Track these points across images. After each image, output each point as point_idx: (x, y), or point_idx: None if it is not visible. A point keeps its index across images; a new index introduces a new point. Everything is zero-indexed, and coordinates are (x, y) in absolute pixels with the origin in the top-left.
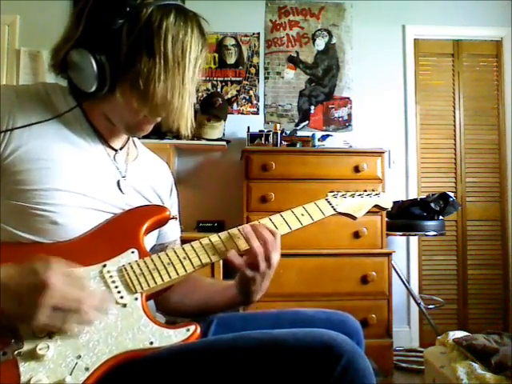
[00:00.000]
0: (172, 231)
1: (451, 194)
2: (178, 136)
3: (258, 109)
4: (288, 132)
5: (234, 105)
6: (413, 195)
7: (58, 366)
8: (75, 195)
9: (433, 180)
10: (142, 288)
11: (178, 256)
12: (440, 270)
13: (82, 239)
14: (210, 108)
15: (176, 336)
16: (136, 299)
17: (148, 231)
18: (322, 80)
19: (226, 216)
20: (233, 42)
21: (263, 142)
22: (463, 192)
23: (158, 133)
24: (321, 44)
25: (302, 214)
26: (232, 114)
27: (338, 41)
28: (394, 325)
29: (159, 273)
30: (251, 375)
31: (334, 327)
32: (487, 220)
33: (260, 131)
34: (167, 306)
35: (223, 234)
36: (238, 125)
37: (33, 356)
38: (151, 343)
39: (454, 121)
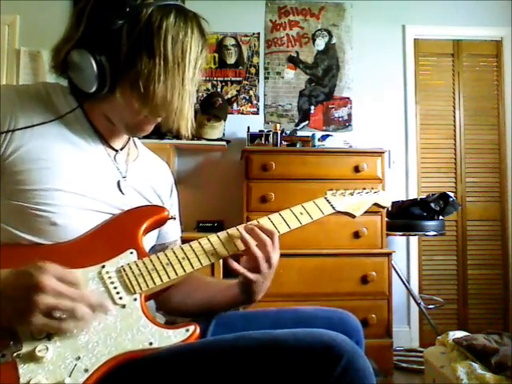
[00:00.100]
0: (172, 231)
1: (451, 194)
2: (178, 136)
3: (258, 109)
4: (288, 132)
5: (234, 105)
6: (413, 195)
7: (57, 368)
8: (75, 196)
9: (433, 180)
10: (141, 289)
11: (176, 256)
12: (440, 269)
13: (81, 240)
14: (210, 108)
15: (175, 336)
16: (135, 300)
17: (147, 231)
18: (322, 80)
19: (225, 216)
20: (233, 41)
21: (263, 141)
22: (463, 192)
23: (158, 133)
24: (321, 44)
25: (301, 213)
26: (232, 114)
27: (338, 41)
28: (394, 325)
29: (158, 273)
30: (251, 375)
31: (334, 325)
32: (487, 220)
33: (260, 131)
34: (169, 305)
35: (222, 235)
36: (238, 125)
37: (32, 358)
38: (150, 344)
39: (454, 121)
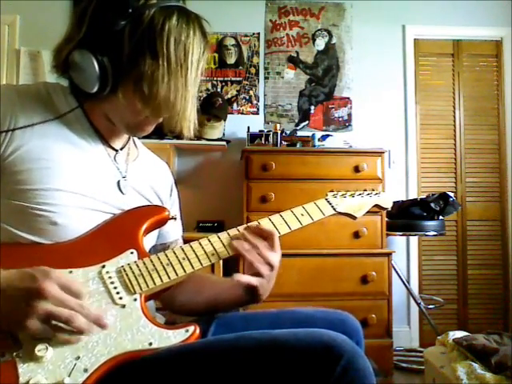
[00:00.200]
0: (173, 231)
1: (451, 194)
2: (177, 136)
3: (258, 109)
4: (288, 132)
5: (234, 105)
6: (413, 195)
7: (56, 368)
8: (75, 195)
9: (433, 180)
10: (141, 289)
11: (177, 257)
12: (440, 269)
13: (81, 240)
14: (210, 108)
15: (175, 337)
16: (135, 300)
17: (147, 231)
18: (322, 80)
19: (225, 216)
20: (233, 41)
21: (263, 141)
22: (463, 192)
23: (158, 133)
24: (321, 44)
25: (302, 214)
26: (232, 114)
27: (338, 41)
28: (394, 325)
29: (158, 273)
30: (251, 375)
31: (334, 326)
32: (487, 220)
33: (260, 131)
34: (175, 304)
35: (222, 235)
36: (238, 125)
37: (31, 357)
38: (150, 344)
39: (454, 121)
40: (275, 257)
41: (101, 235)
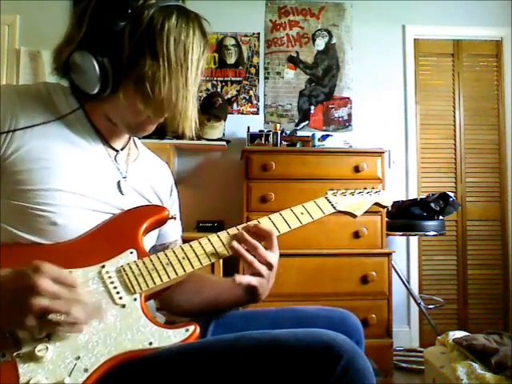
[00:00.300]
0: (173, 231)
1: (451, 194)
2: (178, 136)
3: (258, 109)
4: (288, 132)
5: (234, 105)
6: (413, 195)
7: (56, 368)
8: (75, 196)
9: (433, 180)
10: (141, 288)
11: (176, 256)
12: (440, 269)
13: (81, 240)
14: (210, 108)
15: (175, 336)
16: (135, 300)
17: (147, 231)
18: (322, 80)
19: (225, 216)
20: (233, 41)
21: (263, 141)
22: (463, 192)
23: (158, 133)
24: (321, 44)
25: (302, 213)
26: (232, 114)
27: (338, 41)
28: (394, 325)
29: (158, 273)
30: (251, 375)
31: (334, 325)
32: (487, 220)
33: (260, 131)
34: (173, 304)
35: (222, 234)
36: (238, 125)
37: (32, 357)
38: (150, 344)
39: (454, 121)
40: (274, 256)
41: (100, 235)
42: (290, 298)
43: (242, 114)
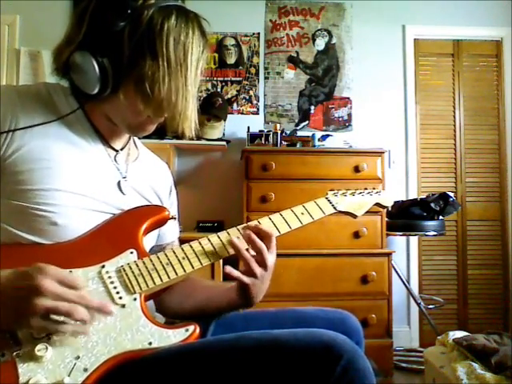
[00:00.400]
0: (170, 232)
1: (451, 194)
2: (178, 136)
3: (258, 109)
4: (288, 132)
5: (234, 105)
6: (413, 195)
7: (56, 367)
8: (75, 196)
9: (433, 180)
10: (141, 288)
11: (176, 256)
12: (440, 269)
13: (81, 240)
14: (210, 108)
15: (175, 336)
16: (135, 300)
17: (147, 231)
18: (322, 80)
19: (225, 216)
20: (233, 41)
21: (263, 142)
22: (463, 192)
23: (158, 133)
24: (321, 44)
25: (302, 213)
26: (232, 114)
27: (338, 41)
28: (394, 325)
29: (158, 273)
30: (251, 375)
31: (334, 326)
32: (487, 220)
33: (260, 131)
34: (165, 307)
35: (222, 234)
36: (238, 125)
37: (31, 357)
38: (150, 344)
39: (454, 121)
40: (271, 258)
41: (100, 235)
42: (290, 298)
43: (242, 114)
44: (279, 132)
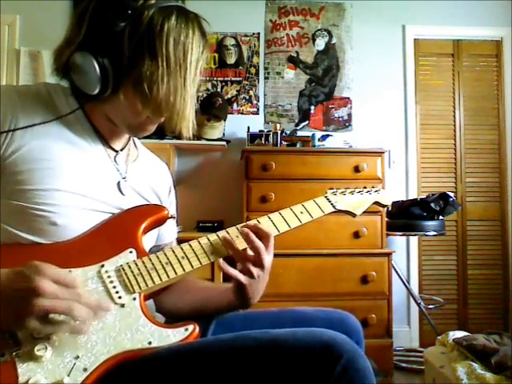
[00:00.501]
0: (168, 232)
1: (451, 194)
2: (177, 136)
3: (258, 109)
4: (288, 132)
5: (234, 105)
6: (413, 195)
7: (56, 367)
8: (75, 196)
9: (433, 180)
10: (140, 288)
11: (176, 255)
12: (440, 269)
13: (80, 239)
14: (210, 108)
15: (174, 336)
16: (134, 299)
17: (146, 231)
18: (322, 80)
19: (225, 216)
20: (233, 41)
21: (263, 142)
22: (463, 192)
23: (158, 133)
24: (321, 44)
25: (301, 212)
26: (232, 114)
27: (338, 41)
28: (394, 325)
29: (157, 272)
30: (251, 375)
31: (334, 326)
32: (487, 220)
33: (260, 131)
34: (161, 308)
35: (222, 234)
36: (238, 125)
37: (31, 357)
38: (150, 343)
39: (454, 121)
40: (268, 258)
41: (100, 234)
42: (289, 298)
43: (242, 114)
44: (279, 132)
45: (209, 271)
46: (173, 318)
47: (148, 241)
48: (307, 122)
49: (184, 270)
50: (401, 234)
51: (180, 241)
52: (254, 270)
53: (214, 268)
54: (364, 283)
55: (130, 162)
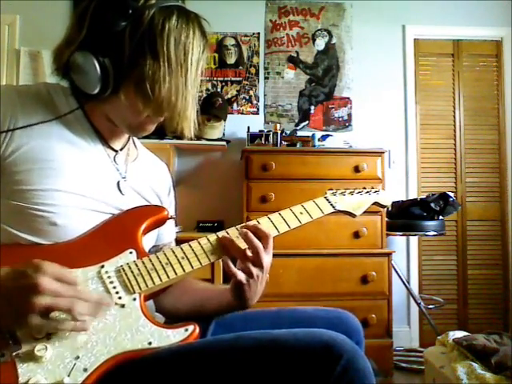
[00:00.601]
0: (167, 233)
1: (451, 194)
2: (178, 136)
3: (258, 109)
4: (288, 132)
5: (234, 105)
6: (413, 195)
7: (56, 367)
8: (75, 196)
9: (433, 180)
10: (140, 288)
11: (176, 256)
12: (440, 269)
13: (80, 240)
14: (210, 108)
15: (175, 336)
16: (134, 299)
17: (146, 231)
18: (322, 80)
19: (225, 216)
20: (233, 42)
21: (263, 142)
22: (463, 192)
23: (158, 133)
24: (321, 44)
25: (301, 213)
26: (232, 114)
27: (338, 41)
28: (394, 325)
29: (157, 273)
30: (251, 375)
31: (334, 326)
32: (487, 220)
33: (260, 131)
34: (160, 308)
35: (221, 234)
36: (238, 125)
37: (31, 357)
38: (150, 343)
39: (454, 121)
40: (267, 258)
41: (100, 235)
42: (289, 298)
43: (242, 114)
44: (279, 132)
45: (209, 271)
46: (172, 319)
47: (148, 241)
48: (307, 121)
49: (184, 270)
50: (401, 234)
51: (180, 241)
52: (254, 270)
53: (214, 268)
54: (364, 283)
55: (130, 161)
